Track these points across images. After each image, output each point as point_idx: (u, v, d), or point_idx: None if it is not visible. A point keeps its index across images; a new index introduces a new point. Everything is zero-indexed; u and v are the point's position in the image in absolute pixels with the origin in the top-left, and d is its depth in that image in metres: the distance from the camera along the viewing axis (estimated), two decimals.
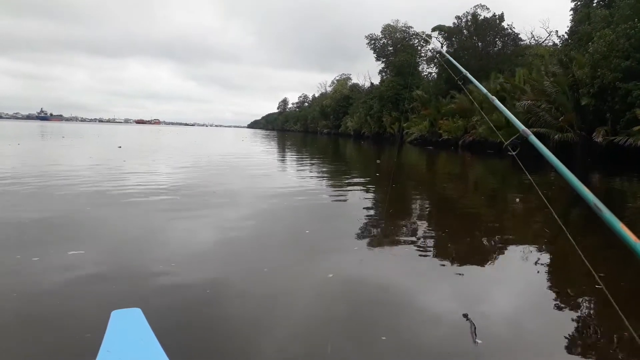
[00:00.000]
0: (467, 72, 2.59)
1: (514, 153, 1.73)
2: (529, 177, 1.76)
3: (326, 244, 4.99)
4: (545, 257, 4.77)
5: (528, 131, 1.61)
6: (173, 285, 3.43)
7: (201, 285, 3.46)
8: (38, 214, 5.82)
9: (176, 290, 3.35)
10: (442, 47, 44.39)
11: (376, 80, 56.80)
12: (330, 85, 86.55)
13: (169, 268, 3.81)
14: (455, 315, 3.06)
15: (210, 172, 11.97)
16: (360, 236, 5.40)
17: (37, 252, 4.10)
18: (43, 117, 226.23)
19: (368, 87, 61.09)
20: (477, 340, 2.66)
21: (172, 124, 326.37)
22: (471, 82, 2.57)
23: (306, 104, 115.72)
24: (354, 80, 74.99)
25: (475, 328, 2.79)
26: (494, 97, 2.04)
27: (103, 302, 3.03)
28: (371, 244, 5.06)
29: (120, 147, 22.09)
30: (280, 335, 2.75)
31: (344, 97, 69.59)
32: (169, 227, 5.50)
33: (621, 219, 1.15)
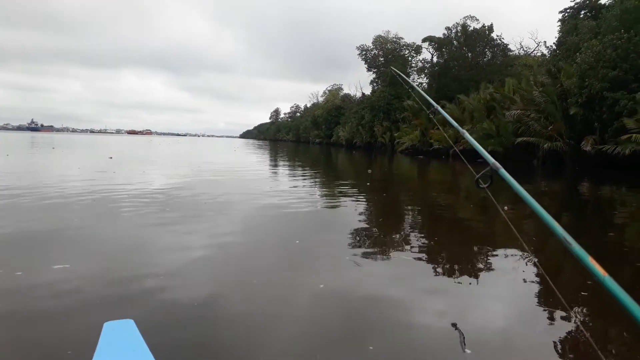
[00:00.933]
0: (438, 105, 2.67)
1: (485, 186, 1.70)
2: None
3: (317, 254, 4.96)
4: (535, 267, 4.77)
5: (498, 164, 1.65)
6: (163, 298, 3.38)
7: (192, 296, 3.41)
8: (21, 226, 5.72)
9: (166, 302, 3.30)
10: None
11: (367, 90, 57.31)
12: (322, 96, 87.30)
13: (158, 280, 3.75)
14: (444, 324, 3.03)
15: (201, 183, 11.90)
16: (350, 246, 5.37)
17: (20, 266, 4.02)
18: (34, 128, 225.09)
19: (359, 97, 61.54)
20: (466, 350, 2.64)
21: (164, 134, 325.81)
22: (442, 114, 2.60)
23: (298, 114, 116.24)
24: (346, 90, 75.72)
25: (464, 338, 2.77)
26: (464, 131, 2.18)
27: (88, 316, 2.99)
28: (362, 254, 5.03)
29: (111, 157, 21.94)
30: (271, 346, 2.71)
31: (335, 107, 70.04)
32: (158, 239, 5.44)
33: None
